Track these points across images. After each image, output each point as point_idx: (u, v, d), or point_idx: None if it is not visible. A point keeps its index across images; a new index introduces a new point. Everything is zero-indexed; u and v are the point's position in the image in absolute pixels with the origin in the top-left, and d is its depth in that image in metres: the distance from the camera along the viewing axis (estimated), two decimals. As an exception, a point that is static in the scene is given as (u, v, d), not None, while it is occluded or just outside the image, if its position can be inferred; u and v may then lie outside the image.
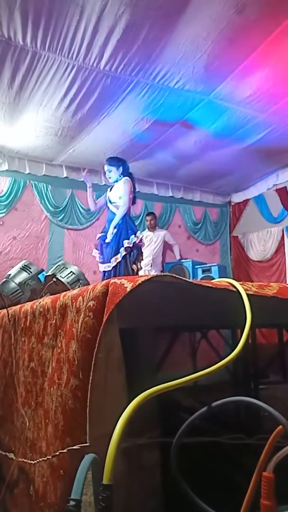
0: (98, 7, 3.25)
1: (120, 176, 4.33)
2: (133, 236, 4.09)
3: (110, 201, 4.37)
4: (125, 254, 4.03)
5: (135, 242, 4.08)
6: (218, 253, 7.87)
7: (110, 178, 4.41)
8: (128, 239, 4.07)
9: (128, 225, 4.17)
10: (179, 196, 7.47)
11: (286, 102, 4.63)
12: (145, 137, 5.44)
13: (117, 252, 4.07)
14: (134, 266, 4.07)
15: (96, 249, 4.40)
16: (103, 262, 4.19)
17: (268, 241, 7.09)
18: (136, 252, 4.13)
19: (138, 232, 4.17)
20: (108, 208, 4.41)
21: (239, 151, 5.85)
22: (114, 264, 4.04)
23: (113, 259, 4.07)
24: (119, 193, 4.28)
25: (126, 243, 4.04)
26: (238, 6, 3.27)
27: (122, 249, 4.03)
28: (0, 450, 1.60)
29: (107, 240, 4.21)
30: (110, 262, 4.08)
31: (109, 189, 4.48)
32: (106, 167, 4.40)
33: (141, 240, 4.17)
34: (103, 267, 4.17)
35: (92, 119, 4.92)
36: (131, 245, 4.05)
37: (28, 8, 3.25)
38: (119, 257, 4.03)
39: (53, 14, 3.31)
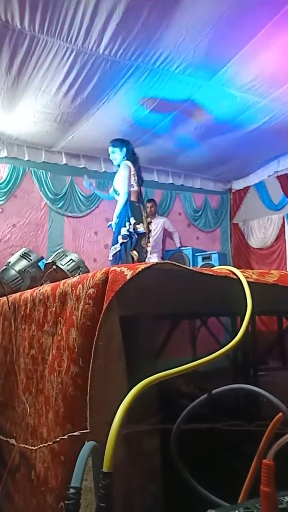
0: (97, -11, 3.19)
1: (123, 159, 4.29)
2: (127, 223, 4.05)
3: (114, 190, 4.37)
4: (123, 242, 4.02)
5: (129, 229, 4.03)
6: (218, 241, 7.87)
7: (114, 160, 4.39)
8: (125, 226, 4.06)
9: (127, 212, 4.13)
10: (179, 183, 7.44)
11: (287, 88, 4.57)
12: (145, 123, 5.39)
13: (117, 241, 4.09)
14: (134, 252, 4.04)
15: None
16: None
17: (268, 229, 7.08)
18: (136, 238, 4.08)
19: (132, 218, 4.08)
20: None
21: (240, 138, 5.81)
22: (114, 252, 4.06)
23: (113, 247, 4.10)
24: (119, 180, 4.25)
25: (123, 231, 4.04)
26: (240, -12, 3.21)
27: (119, 237, 4.04)
28: (1, 436, 1.61)
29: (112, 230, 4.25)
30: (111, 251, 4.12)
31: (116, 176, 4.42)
32: (110, 149, 4.38)
33: (135, 226, 4.07)
34: (110, 255, 4.21)
35: (92, 104, 4.87)
36: (128, 233, 4.02)
37: (25, -10, 3.19)
38: (117, 246, 4.05)
39: (51, -4, 3.25)
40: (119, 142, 4.39)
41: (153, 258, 6.33)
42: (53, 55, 3.95)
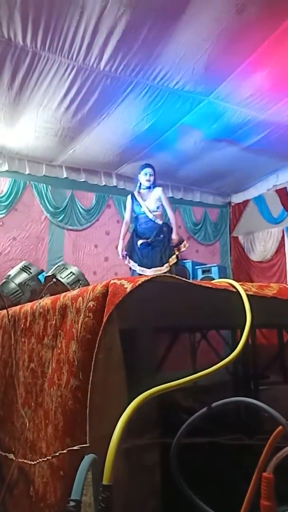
0: (98, 7, 3.25)
1: (154, 184, 4.72)
2: (182, 245, 4.63)
3: (149, 210, 4.68)
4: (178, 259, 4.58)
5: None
6: (218, 254, 7.87)
7: (148, 181, 4.70)
8: (180, 244, 4.61)
9: (170, 234, 4.67)
10: (179, 196, 7.48)
11: (286, 102, 4.63)
12: (145, 138, 5.45)
13: (168, 257, 4.49)
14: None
15: (127, 256, 4.69)
16: (148, 266, 4.48)
17: (268, 242, 7.09)
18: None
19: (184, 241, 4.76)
20: (142, 215, 4.72)
21: (239, 152, 5.86)
22: (173, 262, 4.48)
23: (166, 265, 4.45)
24: (157, 203, 4.69)
25: (176, 250, 4.57)
26: (238, 6, 3.27)
27: (174, 256, 4.51)
28: (0, 450, 1.60)
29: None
30: (161, 265, 4.44)
31: (138, 196, 4.76)
32: (148, 170, 4.71)
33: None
34: (150, 271, 4.41)
35: (92, 119, 4.93)
36: (181, 251, 4.64)
37: (28, 9, 3.26)
38: (174, 257, 4.50)
39: (53, 14, 3.32)
40: (152, 166, 4.78)
41: None
42: (55, 71, 4.02)
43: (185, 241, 4.76)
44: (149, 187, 4.74)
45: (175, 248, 4.57)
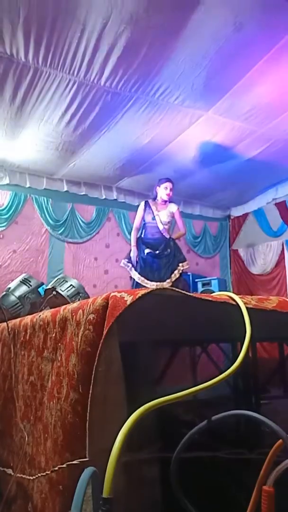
0: (99, 25, 3.31)
1: (170, 199, 4.81)
2: (185, 262, 4.70)
3: (161, 222, 4.75)
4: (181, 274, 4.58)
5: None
6: (217, 267, 7.87)
7: (168, 195, 4.77)
8: (183, 262, 4.66)
9: (178, 249, 4.78)
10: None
11: (285, 116, 4.68)
12: (145, 152, 5.49)
13: (171, 272, 4.54)
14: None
15: (130, 263, 4.71)
16: (149, 278, 4.51)
17: (268, 255, 7.10)
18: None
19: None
20: (152, 226, 4.76)
21: (239, 165, 5.90)
22: (175, 278, 4.50)
23: (168, 280, 4.49)
24: (169, 217, 4.79)
25: (181, 266, 4.62)
26: (236, 24, 3.34)
27: (176, 271, 4.55)
28: (-2, 465, 1.58)
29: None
30: (163, 280, 4.49)
31: (154, 208, 4.80)
32: (169, 185, 4.78)
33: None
34: (152, 284, 4.44)
35: (93, 134, 4.98)
36: (184, 269, 4.66)
37: (30, 26, 3.31)
38: (177, 273, 4.54)
39: (55, 31, 3.38)
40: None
41: None
42: (56, 87, 4.07)
43: (187, 261, 4.82)
44: (165, 201, 4.82)
45: (180, 264, 4.62)
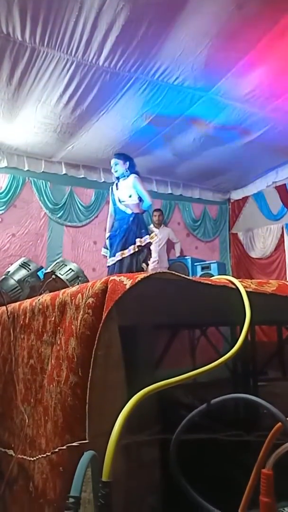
0: (97, 2, 3.23)
1: (126, 172, 4.37)
2: (147, 236, 4.14)
3: (119, 200, 4.39)
4: (134, 253, 4.06)
5: (147, 241, 4.13)
6: (217, 250, 7.88)
7: (116, 171, 4.43)
8: (141, 237, 4.11)
9: (140, 223, 4.24)
10: (178, 193, 7.47)
11: (285, 98, 4.62)
12: (144, 134, 5.43)
13: (124, 247, 4.10)
14: (144, 264, 4.11)
15: (105, 247, 4.46)
16: (111, 257, 4.23)
17: (267, 238, 7.09)
18: (146, 251, 4.16)
19: (153, 233, 4.26)
20: (116, 207, 4.43)
21: (239, 148, 5.85)
22: (119, 258, 4.07)
23: (118, 253, 4.09)
24: (129, 191, 4.32)
25: (138, 242, 4.08)
26: (237, 1, 3.27)
27: (132, 247, 4.07)
28: (-1, 447, 1.60)
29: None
30: (114, 256, 4.12)
31: (114, 187, 4.48)
32: (112, 161, 4.43)
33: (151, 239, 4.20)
34: (109, 261, 4.21)
35: (91, 115, 4.91)
36: (143, 244, 4.09)
37: (27, 4, 3.24)
38: (126, 253, 4.07)
39: (52, 9, 3.30)
40: (122, 155, 4.49)
41: (159, 269, 6.34)
42: (54, 67, 4.00)
43: (154, 233, 4.39)
44: (121, 177, 4.42)
45: (137, 240, 4.13)
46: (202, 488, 0.88)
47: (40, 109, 4.73)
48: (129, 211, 4.30)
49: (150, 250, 4.26)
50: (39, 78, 4.16)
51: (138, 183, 4.35)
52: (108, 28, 3.51)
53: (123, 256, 4.07)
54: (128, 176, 4.40)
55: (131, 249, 4.07)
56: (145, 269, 4.08)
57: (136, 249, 4.07)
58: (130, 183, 4.35)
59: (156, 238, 4.36)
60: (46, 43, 3.67)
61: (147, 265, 4.19)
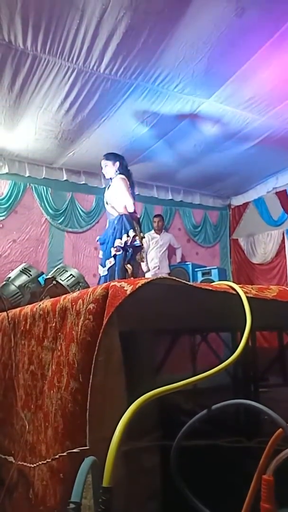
0: (98, 11, 3.26)
1: (116, 172, 4.16)
2: (125, 235, 3.84)
3: (106, 202, 4.20)
4: (115, 254, 3.84)
5: (126, 241, 3.83)
6: (218, 256, 7.88)
7: (106, 173, 4.24)
8: (120, 238, 3.84)
9: (123, 225, 3.92)
10: (179, 199, 7.49)
11: (286, 104, 4.64)
12: (145, 140, 5.45)
13: (110, 254, 3.90)
14: (128, 266, 3.84)
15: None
16: (102, 266, 4.01)
17: (268, 244, 7.09)
18: (132, 251, 3.89)
19: (131, 231, 3.86)
20: (106, 210, 4.27)
21: (239, 154, 5.86)
22: (109, 266, 3.88)
23: (107, 261, 3.92)
24: (114, 193, 4.09)
25: (117, 242, 3.83)
26: (237, 9, 3.28)
27: (112, 249, 3.86)
28: (-1, 453, 1.60)
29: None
30: (105, 265, 3.93)
31: (106, 189, 4.30)
32: (102, 162, 4.23)
33: (134, 238, 3.85)
34: (101, 271, 4.02)
35: (92, 122, 4.93)
36: (122, 245, 3.82)
37: (28, 12, 3.27)
38: (112, 260, 3.86)
39: (54, 18, 3.33)
40: (112, 156, 4.26)
41: (160, 275, 6.25)
42: (55, 74, 4.02)
43: (141, 234, 4.04)
44: (110, 179, 4.19)
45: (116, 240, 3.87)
46: (203, 494, 0.87)
47: (41, 116, 4.75)
48: (115, 213, 4.04)
49: (139, 250, 3.96)
50: (40, 85, 4.18)
51: (122, 184, 4.03)
52: (109, 36, 3.54)
53: (111, 264, 3.87)
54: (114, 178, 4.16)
55: (112, 252, 3.85)
56: (129, 271, 3.82)
57: (114, 252, 3.82)
58: (115, 185, 4.10)
59: (136, 236, 3.91)
60: (47, 50, 3.69)
61: (133, 267, 3.87)
